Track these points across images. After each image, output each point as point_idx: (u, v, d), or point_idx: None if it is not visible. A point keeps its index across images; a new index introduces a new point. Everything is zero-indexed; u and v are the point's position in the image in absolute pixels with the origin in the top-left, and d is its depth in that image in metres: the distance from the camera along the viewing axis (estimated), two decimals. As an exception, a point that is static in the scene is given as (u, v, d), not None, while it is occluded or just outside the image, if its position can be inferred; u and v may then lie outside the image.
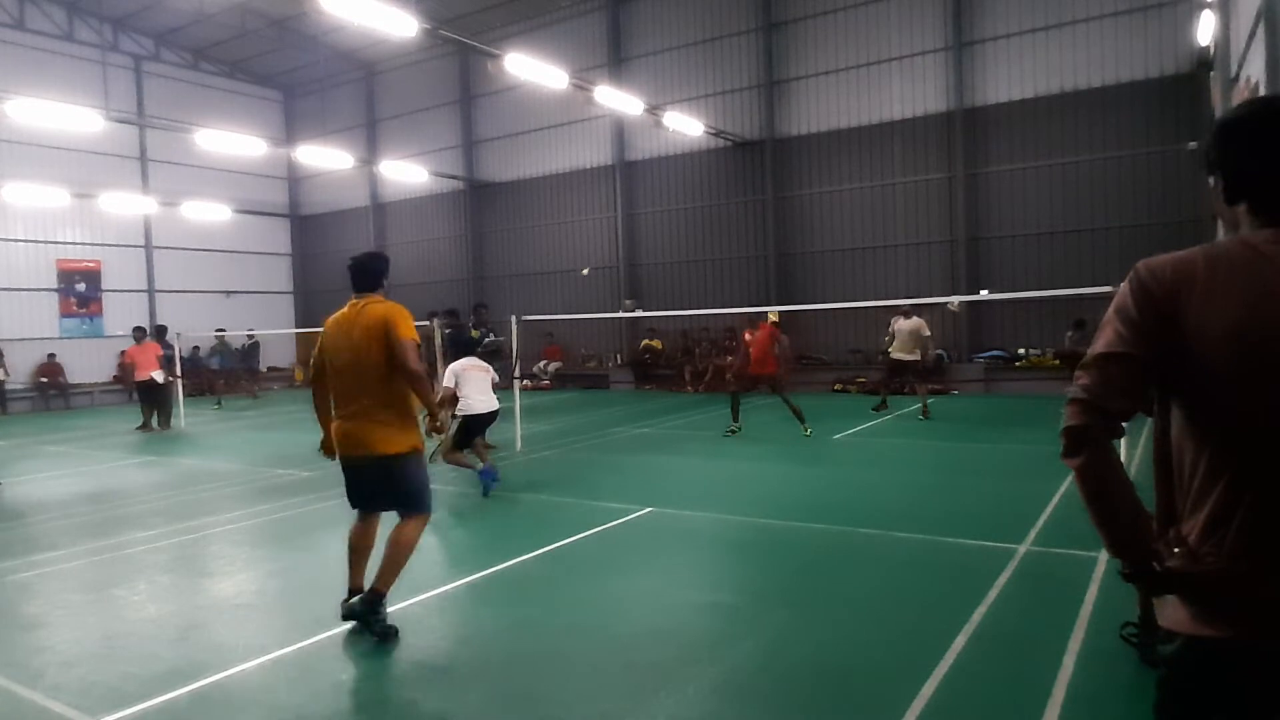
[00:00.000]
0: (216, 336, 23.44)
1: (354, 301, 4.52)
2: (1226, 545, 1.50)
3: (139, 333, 15.00)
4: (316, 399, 4.71)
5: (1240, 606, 1.49)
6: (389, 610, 4.52)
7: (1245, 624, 1.48)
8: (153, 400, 14.66)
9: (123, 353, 14.60)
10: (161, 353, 14.73)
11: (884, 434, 11.32)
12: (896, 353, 12.79)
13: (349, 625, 4.57)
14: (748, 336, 11.80)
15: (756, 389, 12.13)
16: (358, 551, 4.70)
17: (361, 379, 4.38)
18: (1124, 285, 1.61)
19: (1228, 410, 1.49)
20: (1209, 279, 1.50)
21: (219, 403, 20.49)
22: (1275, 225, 1.52)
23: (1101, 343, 1.59)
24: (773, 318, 14.29)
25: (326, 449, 4.72)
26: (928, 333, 12.84)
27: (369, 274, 4.55)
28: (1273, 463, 1.46)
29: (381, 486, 4.55)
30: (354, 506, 4.76)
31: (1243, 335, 1.45)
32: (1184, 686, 1.56)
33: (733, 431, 11.58)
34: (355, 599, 4.51)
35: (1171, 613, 1.57)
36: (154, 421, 14.71)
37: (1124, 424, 1.59)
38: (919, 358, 12.81)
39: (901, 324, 12.73)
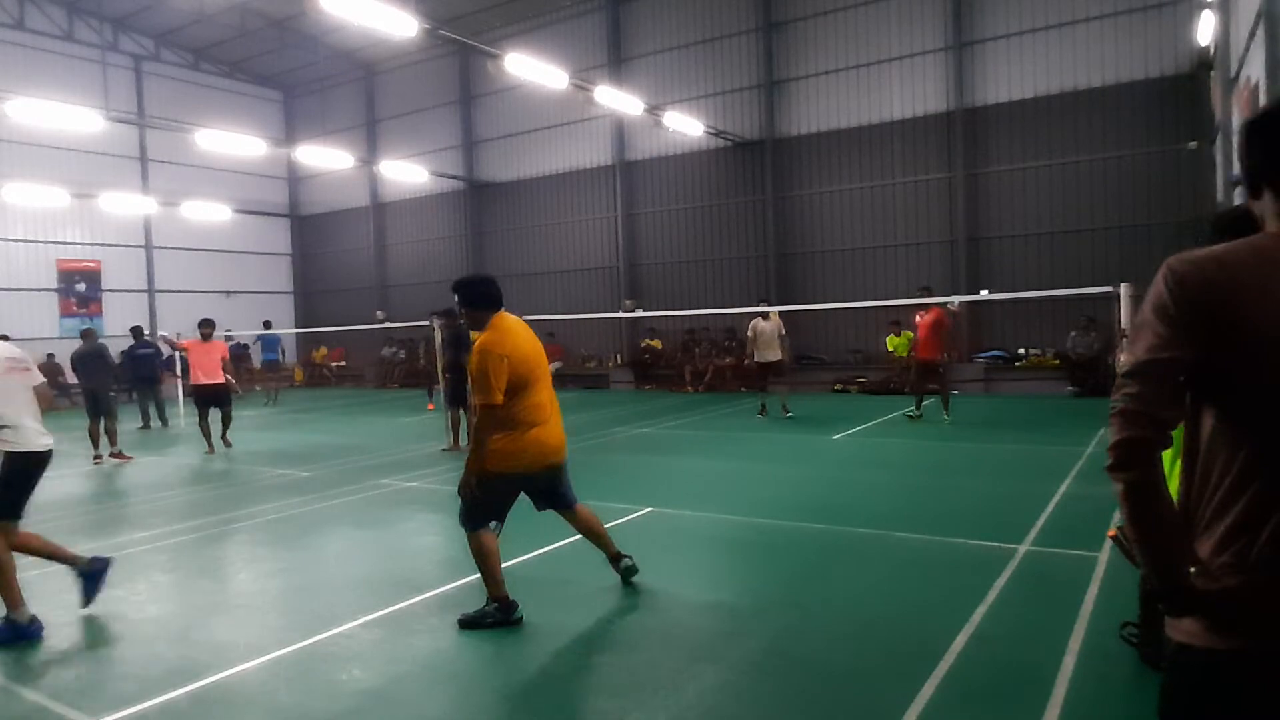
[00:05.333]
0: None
1: (502, 316, 4.69)
2: (1253, 553, 1.45)
3: (207, 327, 11.98)
4: (491, 424, 4.47)
5: (1261, 615, 1.45)
6: (399, 605, 4.52)
7: (1265, 632, 1.44)
8: (218, 408, 11.91)
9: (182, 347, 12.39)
10: (228, 355, 12.23)
11: (884, 434, 11.32)
12: (763, 354, 13.21)
13: (349, 625, 4.59)
14: (918, 319, 12.27)
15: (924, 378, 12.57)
16: (498, 558, 4.61)
17: (549, 388, 4.76)
18: (1158, 284, 1.52)
19: (1269, 413, 1.44)
20: (1256, 274, 1.44)
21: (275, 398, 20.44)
22: None
23: (1143, 348, 1.51)
24: (773, 317, 14.33)
25: (490, 464, 4.53)
26: (784, 332, 13.42)
27: (498, 293, 4.80)
28: None
29: (562, 485, 4.89)
30: (498, 519, 4.61)
31: None
32: (1197, 699, 1.52)
33: (913, 417, 12.22)
34: (627, 561, 5.11)
35: (1186, 624, 1.53)
36: (213, 437, 11.89)
37: (1170, 434, 1.53)
38: (781, 357, 13.37)
39: (762, 325, 13.13)
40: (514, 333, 4.62)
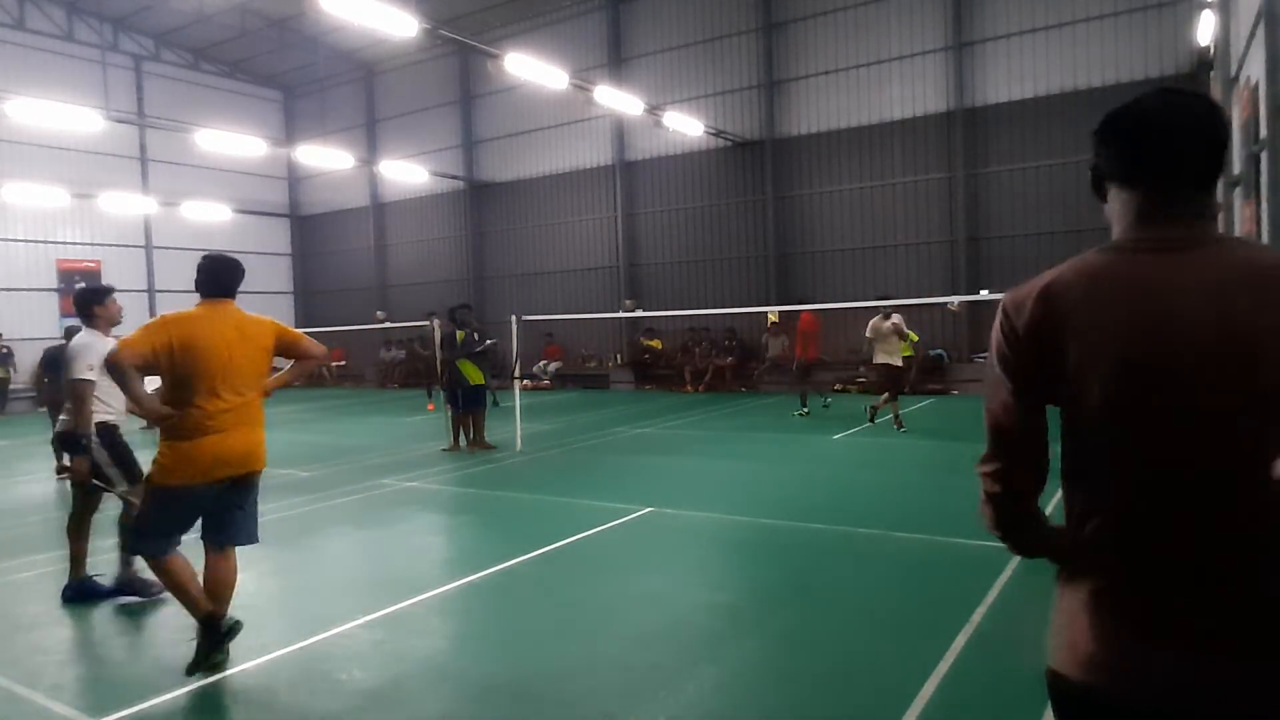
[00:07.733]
0: None
1: (215, 304, 4.06)
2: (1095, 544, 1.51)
3: None
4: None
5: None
6: (399, 605, 4.51)
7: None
8: None
9: None
10: None
11: (884, 434, 11.31)
12: (883, 356, 11.55)
13: (349, 625, 4.58)
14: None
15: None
16: (189, 574, 4.04)
17: (242, 392, 4.01)
18: (995, 327, 1.49)
19: (1102, 441, 1.43)
20: (1083, 303, 1.38)
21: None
22: (1155, 224, 1.40)
23: (998, 404, 1.49)
24: (773, 318, 14.34)
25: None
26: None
27: (225, 280, 4.15)
28: (1142, 503, 1.41)
29: (242, 508, 4.09)
30: (172, 535, 4.00)
31: (1127, 364, 1.34)
32: None
33: (803, 415, 13.25)
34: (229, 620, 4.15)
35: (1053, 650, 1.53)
36: None
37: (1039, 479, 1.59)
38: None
39: (884, 326, 11.50)
40: (200, 320, 3.94)
